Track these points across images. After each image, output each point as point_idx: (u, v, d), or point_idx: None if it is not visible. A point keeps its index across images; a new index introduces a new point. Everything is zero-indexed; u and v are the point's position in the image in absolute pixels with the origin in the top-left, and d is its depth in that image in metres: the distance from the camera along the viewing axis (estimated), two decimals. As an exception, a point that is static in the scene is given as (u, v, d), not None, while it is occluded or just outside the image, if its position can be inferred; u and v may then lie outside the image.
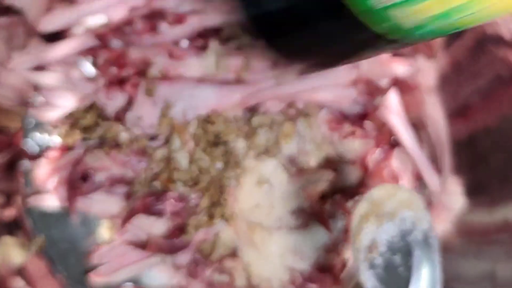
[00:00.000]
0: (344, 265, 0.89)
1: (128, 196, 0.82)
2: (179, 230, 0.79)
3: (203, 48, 0.77)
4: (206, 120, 0.78)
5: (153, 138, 0.79)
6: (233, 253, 0.84)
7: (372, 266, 0.69)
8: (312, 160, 0.84)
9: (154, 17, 0.77)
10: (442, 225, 0.82)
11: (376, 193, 0.70)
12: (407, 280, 0.69)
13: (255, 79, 0.79)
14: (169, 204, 0.76)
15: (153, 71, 0.74)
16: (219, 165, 0.77)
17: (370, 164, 0.89)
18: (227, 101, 0.78)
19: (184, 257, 0.80)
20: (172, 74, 0.76)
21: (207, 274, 0.81)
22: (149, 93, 0.73)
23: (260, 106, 0.80)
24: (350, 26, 0.48)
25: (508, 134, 0.70)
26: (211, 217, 0.77)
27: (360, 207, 0.70)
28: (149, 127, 0.76)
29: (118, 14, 0.79)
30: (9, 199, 0.84)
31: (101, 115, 0.81)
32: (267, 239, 0.81)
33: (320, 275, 0.84)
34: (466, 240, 0.77)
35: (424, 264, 0.69)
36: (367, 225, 0.69)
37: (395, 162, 0.88)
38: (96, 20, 0.84)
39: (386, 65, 0.87)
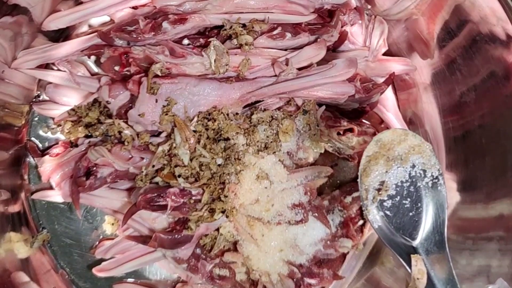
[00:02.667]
0: (342, 259, 0.90)
1: (131, 191, 0.84)
2: (181, 225, 0.80)
3: (204, 46, 0.78)
4: (207, 117, 0.79)
5: (155, 134, 0.80)
6: (233, 248, 0.85)
7: (380, 207, 0.70)
8: (311, 156, 0.85)
9: (156, 17, 0.78)
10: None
11: (386, 135, 0.71)
12: (416, 224, 0.70)
13: (255, 77, 0.80)
14: (171, 200, 0.76)
15: (155, 69, 0.75)
16: (219, 161, 0.78)
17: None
18: (227, 98, 0.78)
19: (185, 252, 0.80)
20: (174, 72, 0.77)
21: (208, 268, 0.82)
22: (152, 90, 0.74)
23: (260, 103, 0.81)
24: None
25: (502, 131, 0.71)
26: (211, 212, 0.78)
27: (369, 148, 0.71)
28: (151, 124, 0.77)
29: (122, 13, 0.80)
30: (13, 195, 0.85)
31: (104, 113, 0.82)
32: (267, 234, 0.82)
33: (319, 269, 0.85)
34: (462, 236, 0.77)
35: (433, 210, 0.70)
36: (377, 167, 0.70)
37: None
38: (100, 19, 0.85)
39: (383, 64, 0.88)
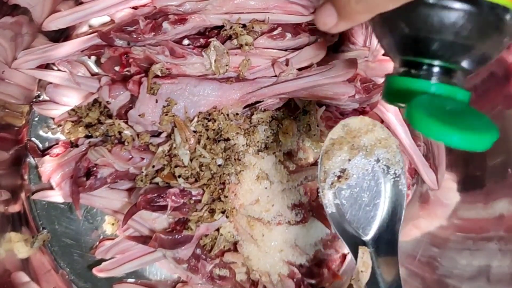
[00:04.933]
0: (343, 260, 0.91)
1: (131, 192, 0.84)
2: (181, 225, 0.80)
3: (204, 47, 0.78)
4: (207, 118, 0.78)
5: (155, 135, 0.80)
6: (234, 248, 0.85)
7: (338, 194, 0.67)
8: (311, 156, 0.85)
9: (157, 17, 0.78)
10: (439, 221, 0.82)
11: (353, 122, 0.68)
12: (371, 220, 0.67)
13: (255, 77, 0.80)
14: (171, 200, 0.76)
15: (156, 69, 0.74)
16: (219, 161, 0.78)
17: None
18: (227, 98, 0.78)
19: (185, 252, 0.80)
20: (174, 73, 0.77)
21: (208, 268, 0.82)
22: (152, 91, 0.74)
23: (260, 104, 0.81)
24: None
25: (503, 131, 0.70)
26: (212, 212, 0.78)
27: (334, 130, 0.68)
28: (151, 124, 0.77)
29: (122, 13, 0.80)
30: (13, 195, 0.85)
31: (104, 113, 0.82)
32: (267, 234, 0.82)
33: (319, 269, 0.85)
34: (462, 236, 0.77)
35: (390, 208, 0.67)
36: (340, 153, 0.67)
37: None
38: (100, 19, 0.85)
39: (384, 64, 0.88)
